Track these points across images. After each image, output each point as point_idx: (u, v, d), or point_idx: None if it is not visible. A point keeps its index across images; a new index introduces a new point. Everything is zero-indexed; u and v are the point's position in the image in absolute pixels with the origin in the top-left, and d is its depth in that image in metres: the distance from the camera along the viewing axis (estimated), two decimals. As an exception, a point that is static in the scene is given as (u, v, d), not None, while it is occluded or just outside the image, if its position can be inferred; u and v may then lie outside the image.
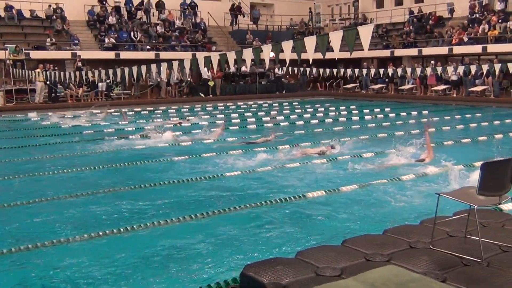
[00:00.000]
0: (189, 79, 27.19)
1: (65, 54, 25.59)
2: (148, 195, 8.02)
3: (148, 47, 27.79)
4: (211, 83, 27.60)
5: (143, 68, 17.29)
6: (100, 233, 6.05)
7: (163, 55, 26.74)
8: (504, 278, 3.89)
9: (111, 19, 28.29)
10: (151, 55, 26.84)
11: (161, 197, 7.86)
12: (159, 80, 25.92)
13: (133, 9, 29.87)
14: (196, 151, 11.73)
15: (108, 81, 24.27)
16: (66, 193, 7.99)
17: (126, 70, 18.34)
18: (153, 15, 30.43)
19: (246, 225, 6.51)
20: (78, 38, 26.68)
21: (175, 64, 15.53)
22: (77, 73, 21.67)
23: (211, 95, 27.41)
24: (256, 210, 7.04)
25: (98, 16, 28.43)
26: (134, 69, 17.83)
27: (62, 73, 22.31)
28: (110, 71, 19.89)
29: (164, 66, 16.63)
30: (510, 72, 21.93)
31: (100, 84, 24.61)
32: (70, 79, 22.72)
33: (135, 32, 28.06)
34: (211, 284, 4.39)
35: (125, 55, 26.49)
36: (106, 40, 26.85)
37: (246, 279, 3.90)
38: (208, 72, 26.46)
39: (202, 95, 27.38)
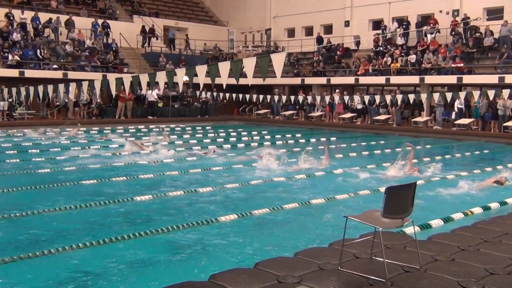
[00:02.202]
0: (99, 101, 26.46)
1: (-37, 70, 24.08)
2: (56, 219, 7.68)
3: (55, 66, 26.76)
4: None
5: (50, 87, 16.61)
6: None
7: (72, 75, 25.84)
8: (406, 296, 4.12)
9: (16, 36, 26.99)
10: (58, 74, 25.82)
11: (70, 221, 7.56)
12: (66, 100, 24.99)
13: (40, 26, 28.72)
14: (105, 175, 11.41)
15: (10, 100, 23.05)
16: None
17: (32, 89, 17.54)
18: (61, 34, 29.41)
19: (158, 249, 6.40)
20: (-22, 54, 25.19)
21: (85, 84, 15.08)
22: (-24, 91, 20.43)
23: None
24: (169, 235, 6.94)
25: (2, 32, 27.04)
26: (40, 88, 17.08)
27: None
28: (14, 90, 18.94)
29: (72, 86, 16.09)
30: (411, 102, 23.41)
31: (1, 103, 23.32)
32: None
33: (42, 50, 26.94)
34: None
35: (30, 73, 25.28)
36: (10, 57, 25.55)
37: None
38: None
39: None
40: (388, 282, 4.41)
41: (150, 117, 28.20)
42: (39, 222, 7.63)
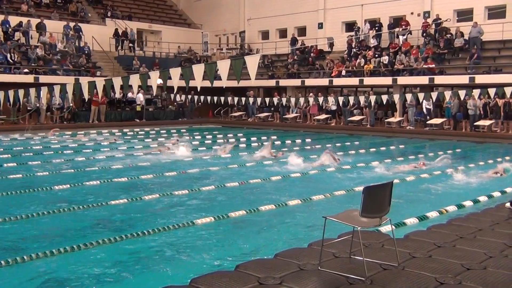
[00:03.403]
0: (71, 105, 26.09)
1: None
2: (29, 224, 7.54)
3: (26, 70, 26.30)
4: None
5: (21, 92, 16.34)
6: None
7: (43, 79, 25.40)
8: (385, 294, 4.17)
9: (-15, 40, 26.48)
10: (29, 78, 25.38)
11: (42, 227, 7.43)
12: (38, 105, 24.58)
13: (10, 30, 28.20)
14: (79, 179, 11.26)
15: (-20, 105, 22.56)
16: None
17: (2, 93, 17.22)
18: (32, 37, 28.93)
19: (137, 253, 6.34)
20: None
21: (57, 88, 14.86)
22: None
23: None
24: (145, 238, 6.88)
25: (-30, 36, 26.53)
26: (11, 93, 16.78)
27: None
28: (-17, 95, 18.58)
29: (44, 90, 15.87)
30: (384, 103, 23.69)
31: (-30, 108, 22.80)
32: None
33: (12, 54, 26.46)
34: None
35: (0, 78, 24.81)
36: (-21, 61, 25.04)
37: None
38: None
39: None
40: (368, 280, 4.44)
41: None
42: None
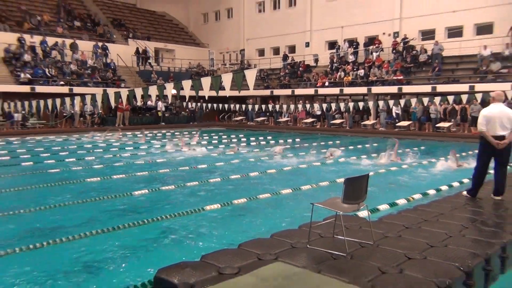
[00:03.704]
0: (100, 111, 26.06)
1: (-20, 88, 23.40)
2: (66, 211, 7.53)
3: (62, 82, 26.24)
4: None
5: (58, 100, 16.32)
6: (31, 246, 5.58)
7: (77, 89, 25.38)
8: (363, 267, 4.17)
9: (27, 57, 26.40)
10: (65, 89, 25.34)
11: (77, 213, 7.41)
12: (72, 111, 24.55)
13: (47, 48, 28.14)
14: (107, 173, 11.23)
15: (23, 112, 22.55)
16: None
17: (42, 102, 17.20)
18: (66, 55, 28.88)
19: (152, 235, 6.31)
20: (-6, 72, 24.56)
21: (88, 97, 14.86)
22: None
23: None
24: (163, 222, 6.87)
25: (14, 54, 26.42)
26: (49, 101, 16.76)
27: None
28: (26, 103, 18.57)
29: (77, 99, 15.85)
30: (361, 108, 23.69)
31: (16, 115, 22.80)
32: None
33: (50, 69, 26.41)
34: (129, 287, 4.20)
35: (40, 89, 24.76)
36: (22, 75, 24.96)
37: (159, 281, 3.79)
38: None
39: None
40: (348, 256, 4.45)
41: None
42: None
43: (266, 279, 3.60)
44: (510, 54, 22.40)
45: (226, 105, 28.56)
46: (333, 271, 4.01)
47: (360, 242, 4.88)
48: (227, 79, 9.89)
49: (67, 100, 16.13)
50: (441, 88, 22.48)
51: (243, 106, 28.32)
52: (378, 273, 4.01)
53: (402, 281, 3.84)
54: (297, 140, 21.07)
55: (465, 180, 9.79)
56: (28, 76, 25.07)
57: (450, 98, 19.05)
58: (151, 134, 23.78)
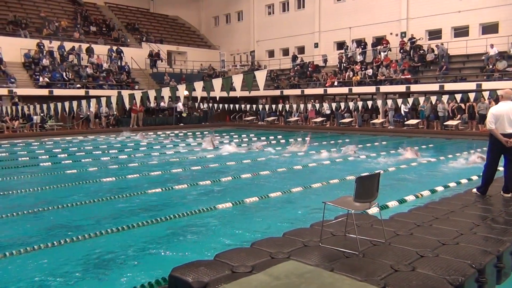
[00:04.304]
0: (115, 113, 26.19)
1: (2, 91, 23.59)
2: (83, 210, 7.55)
3: (78, 85, 26.44)
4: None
5: (74, 103, 16.41)
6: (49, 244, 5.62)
7: (92, 92, 25.55)
8: (376, 265, 4.09)
9: (45, 61, 26.64)
10: (81, 92, 25.53)
11: (93, 212, 7.42)
12: (88, 113, 24.71)
13: (65, 53, 28.37)
14: (122, 173, 11.26)
15: (42, 114, 22.76)
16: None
17: (59, 104, 17.31)
18: (83, 59, 29.08)
19: (166, 234, 6.27)
20: (14, 77, 24.78)
21: (103, 100, 14.91)
22: (13, 107, 20.14)
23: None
24: (176, 220, 6.83)
25: (33, 59, 26.69)
26: (66, 104, 16.86)
27: (-1, 107, 20.58)
28: (44, 106, 18.73)
29: (93, 101, 15.92)
30: (369, 107, 23.50)
31: (34, 117, 23.01)
32: (6, 113, 21.08)
33: (67, 73, 26.62)
34: (144, 284, 4.18)
35: (58, 92, 24.96)
36: (41, 79, 25.20)
37: (174, 279, 3.76)
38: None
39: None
40: (361, 254, 4.38)
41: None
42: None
43: (279, 277, 3.54)
44: (516, 53, 22.05)
45: (237, 105, 28.52)
46: (345, 269, 3.94)
47: (371, 240, 4.79)
48: (237, 80, 9.84)
49: (83, 102, 16.25)
50: (448, 86, 22.19)
51: (254, 106, 28.26)
52: (391, 271, 3.94)
53: (415, 279, 3.76)
54: (307, 138, 20.84)
55: (474, 177, 9.65)
56: (47, 79, 25.30)
57: (458, 97, 18.79)
58: (163, 134, 23.84)
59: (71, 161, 13.54)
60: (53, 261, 5.18)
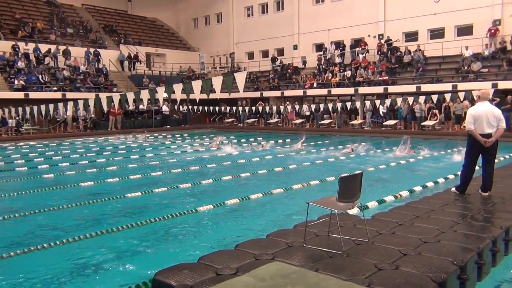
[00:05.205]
0: (93, 116, 25.77)
1: (-26, 94, 22.99)
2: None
3: (55, 88, 25.90)
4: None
5: (51, 106, 16.08)
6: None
7: (69, 95, 25.05)
8: (360, 264, 4.10)
9: (21, 64, 26.03)
10: (58, 95, 25.00)
11: (72, 216, 7.25)
12: (65, 116, 24.24)
13: (41, 55, 27.77)
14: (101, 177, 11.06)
15: (17, 118, 22.21)
16: None
17: (35, 108, 16.94)
18: (59, 61, 28.51)
19: (149, 237, 6.17)
20: (-13, 79, 24.16)
21: (81, 102, 14.64)
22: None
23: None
24: (157, 224, 6.72)
25: (8, 61, 26.04)
26: (43, 107, 16.50)
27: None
28: (20, 109, 18.29)
29: (70, 104, 15.62)
30: (348, 109, 23.68)
31: (10, 120, 22.44)
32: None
33: (43, 75, 26.06)
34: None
35: (34, 95, 24.42)
36: (16, 82, 24.60)
37: (157, 283, 3.69)
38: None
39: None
40: (344, 254, 4.38)
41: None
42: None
43: (264, 278, 3.51)
44: (489, 54, 22.58)
45: (217, 107, 28.41)
46: (330, 269, 3.93)
47: (355, 239, 4.81)
48: (217, 82, 9.78)
49: (60, 105, 15.90)
50: (425, 87, 22.56)
51: (234, 108, 28.18)
52: (375, 270, 3.95)
53: (399, 277, 3.78)
54: (287, 140, 20.94)
55: (451, 176, 9.81)
56: (22, 82, 24.72)
57: (434, 97, 19.11)
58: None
59: (47, 166, 13.23)
60: (31, 267, 5.03)
